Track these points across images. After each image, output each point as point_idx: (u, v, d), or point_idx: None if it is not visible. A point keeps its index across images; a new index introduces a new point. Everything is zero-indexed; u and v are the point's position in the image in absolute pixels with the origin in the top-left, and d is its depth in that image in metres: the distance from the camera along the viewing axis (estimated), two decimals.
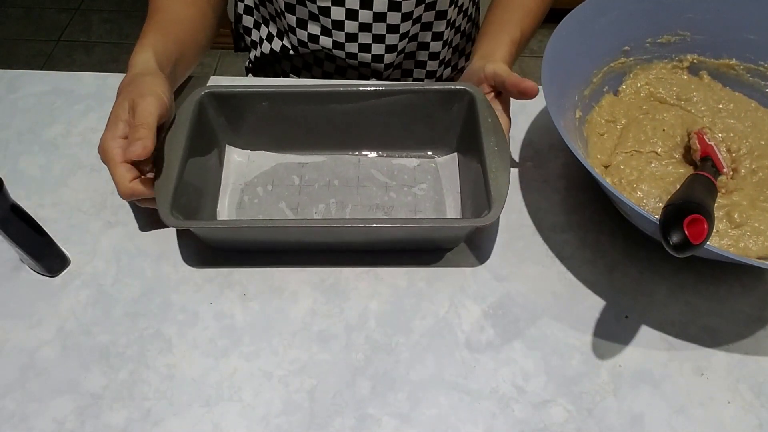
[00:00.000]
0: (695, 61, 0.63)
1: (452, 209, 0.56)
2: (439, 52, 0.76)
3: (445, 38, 0.75)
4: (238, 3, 0.78)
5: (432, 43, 0.74)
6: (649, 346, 0.49)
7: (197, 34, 0.61)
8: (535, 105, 0.65)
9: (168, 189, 0.48)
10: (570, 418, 0.45)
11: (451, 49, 0.79)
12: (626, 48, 0.62)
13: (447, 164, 0.59)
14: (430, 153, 0.60)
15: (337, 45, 0.71)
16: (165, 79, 0.52)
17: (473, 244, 0.54)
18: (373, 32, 0.70)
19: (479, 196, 0.50)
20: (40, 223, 0.49)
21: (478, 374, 0.47)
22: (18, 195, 0.51)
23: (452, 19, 0.74)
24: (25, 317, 0.50)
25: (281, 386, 0.46)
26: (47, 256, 0.51)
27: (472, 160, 0.54)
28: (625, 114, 0.61)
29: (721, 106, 0.61)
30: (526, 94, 0.52)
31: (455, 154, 0.59)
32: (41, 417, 0.45)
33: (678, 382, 0.47)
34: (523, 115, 0.65)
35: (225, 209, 0.56)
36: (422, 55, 0.76)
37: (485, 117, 0.53)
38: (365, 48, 0.72)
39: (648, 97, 0.63)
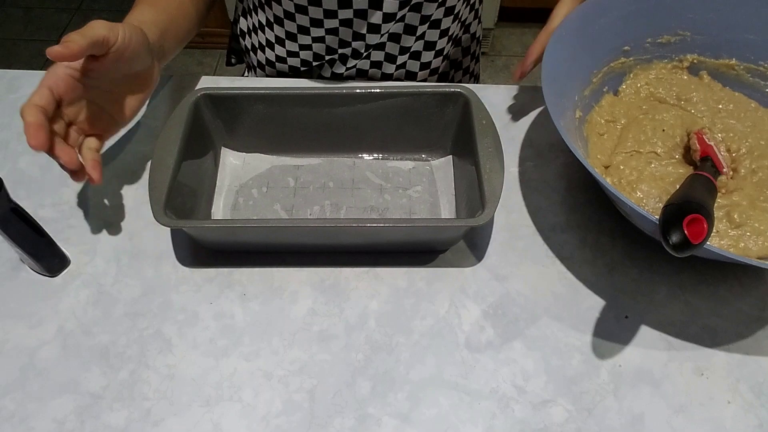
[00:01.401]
0: (695, 61, 0.63)
1: (447, 211, 0.56)
2: (430, 62, 0.75)
3: (445, 53, 0.74)
4: (238, 5, 0.78)
5: (424, 52, 0.74)
6: (649, 346, 0.49)
7: (188, 7, 0.61)
8: (535, 105, 0.66)
9: (162, 189, 0.48)
10: (570, 418, 0.45)
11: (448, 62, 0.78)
12: (626, 48, 0.62)
13: (442, 167, 0.59)
14: (425, 156, 0.60)
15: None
16: (140, 30, 0.50)
17: (473, 244, 0.54)
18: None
19: (473, 197, 0.50)
20: (40, 223, 0.49)
21: (478, 374, 0.47)
22: (18, 195, 0.52)
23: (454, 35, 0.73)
24: (25, 317, 0.50)
25: (281, 386, 0.46)
26: (47, 256, 0.51)
27: (467, 162, 0.54)
28: (625, 114, 0.61)
29: (721, 106, 0.61)
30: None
31: (450, 156, 0.59)
32: (41, 417, 0.45)
33: (678, 382, 0.47)
34: (523, 115, 0.65)
35: (220, 211, 0.56)
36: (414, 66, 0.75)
37: (479, 119, 0.53)
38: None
39: (648, 97, 0.63)
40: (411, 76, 0.74)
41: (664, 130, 0.59)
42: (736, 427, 0.45)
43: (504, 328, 0.49)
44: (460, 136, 0.56)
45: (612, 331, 0.49)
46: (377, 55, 0.70)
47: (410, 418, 0.45)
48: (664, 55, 0.63)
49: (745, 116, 0.60)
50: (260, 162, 0.60)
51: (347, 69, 0.71)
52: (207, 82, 0.67)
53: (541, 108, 0.65)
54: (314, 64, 0.71)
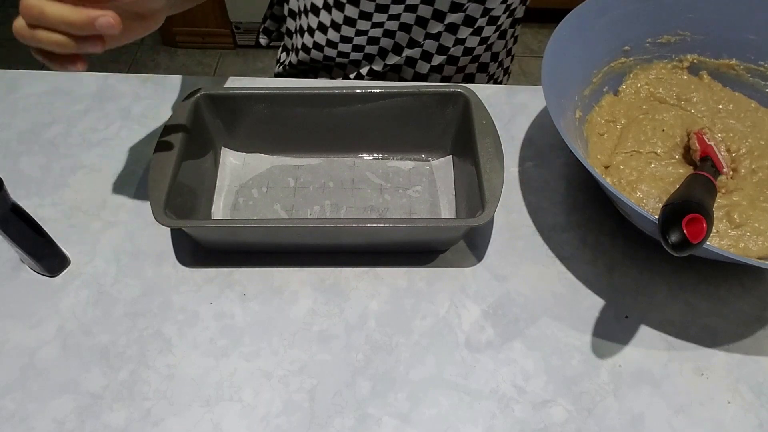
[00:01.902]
0: (695, 61, 0.63)
1: (447, 211, 0.56)
2: (474, 47, 0.75)
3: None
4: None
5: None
6: (649, 346, 0.49)
7: None
8: (535, 105, 0.66)
9: (162, 189, 0.48)
10: (570, 418, 0.45)
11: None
12: (626, 48, 0.62)
13: (442, 167, 0.59)
14: (425, 156, 0.60)
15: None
16: None
17: (473, 244, 0.54)
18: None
19: (473, 197, 0.50)
20: (40, 223, 0.49)
21: (478, 374, 0.47)
22: (18, 195, 0.51)
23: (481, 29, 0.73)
24: (25, 317, 0.50)
25: (281, 386, 0.46)
26: (47, 256, 0.51)
27: (467, 162, 0.54)
28: (625, 114, 0.61)
29: (721, 106, 0.61)
30: None
31: (450, 156, 0.59)
32: (41, 417, 0.45)
33: (678, 382, 0.47)
34: (523, 115, 0.65)
35: (219, 211, 0.56)
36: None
37: (479, 119, 0.53)
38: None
39: (648, 97, 0.63)
40: (453, 60, 0.74)
41: (664, 130, 0.59)
42: (736, 427, 0.45)
43: (504, 328, 0.49)
44: (460, 136, 0.56)
45: (612, 331, 0.49)
46: (430, 45, 0.70)
47: (410, 418, 0.45)
48: (664, 55, 0.63)
49: (745, 116, 0.60)
50: (260, 162, 0.60)
51: (387, 65, 0.71)
52: (207, 82, 0.67)
53: (541, 108, 0.65)
54: (366, 51, 0.71)
